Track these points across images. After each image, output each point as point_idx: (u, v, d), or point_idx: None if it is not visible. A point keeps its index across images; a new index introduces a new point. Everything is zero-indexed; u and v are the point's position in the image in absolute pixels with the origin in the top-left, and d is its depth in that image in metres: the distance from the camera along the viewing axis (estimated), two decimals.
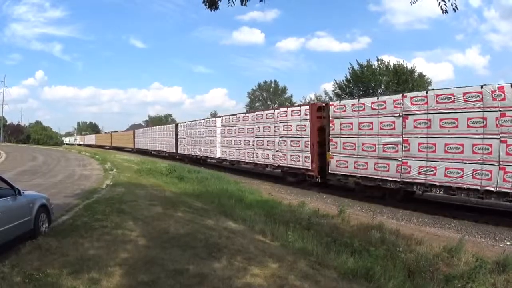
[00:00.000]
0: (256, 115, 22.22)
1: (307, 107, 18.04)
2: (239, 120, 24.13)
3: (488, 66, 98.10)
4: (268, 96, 71.87)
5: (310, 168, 17.27)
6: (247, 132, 22.83)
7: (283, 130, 19.15)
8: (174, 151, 37.49)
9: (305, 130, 17.60)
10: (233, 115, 26.19)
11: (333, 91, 45.56)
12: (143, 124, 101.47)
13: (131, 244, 6.62)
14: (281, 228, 8.94)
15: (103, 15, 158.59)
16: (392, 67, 40.38)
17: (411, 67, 40.14)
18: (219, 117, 29.18)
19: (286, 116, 19.00)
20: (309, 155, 17.27)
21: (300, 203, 13.74)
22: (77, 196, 11.64)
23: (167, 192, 14.20)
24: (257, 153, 21.66)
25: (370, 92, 38.92)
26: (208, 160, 30.70)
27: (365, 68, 41.40)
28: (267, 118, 20.83)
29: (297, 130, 18.09)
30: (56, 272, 4.91)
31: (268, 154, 20.61)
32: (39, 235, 6.66)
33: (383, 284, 5.87)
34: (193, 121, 34.04)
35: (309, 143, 17.30)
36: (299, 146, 17.92)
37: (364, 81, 40.67)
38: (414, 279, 6.66)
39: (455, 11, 4.32)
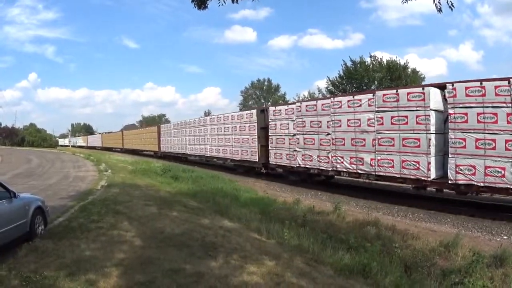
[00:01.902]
0: None
1: None
2: None
3: (482, 61, 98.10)
4: (262, 94, 71.72)
5: None
6: None
7: None
8: (256, 159, 21.42)
9: None
10: None
11: (326, 88, 45.81)
12: (136, 124, 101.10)
13: (127, 245, 6.61)
14: (277, 225, 8.95)
15: (95, 17, 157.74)
16: (385, 63, 40.61)
17: (404, 63, 40.46)
18: (434, 85, 12.61)
19: None
20: None
21: (295, 200, 13.76)
22: (72, 197, 11.60)
23: (162, 192, 14.17)
24: None
25: (363, 88, 39.08)
26: (380, 181, 14.54)
27: (358, 65, 41.60)
28: None
29: None
30: (53, 274, 4.90)
31: None
32: (35, 237, 6.63)
33: (380, 280, 5.89)
34: (322, 99, 18.97)
35: None
36: None
37: (357, 78, 40.88)
38: (411, 274, 6.70)
39: (451, 9, 4.18)
